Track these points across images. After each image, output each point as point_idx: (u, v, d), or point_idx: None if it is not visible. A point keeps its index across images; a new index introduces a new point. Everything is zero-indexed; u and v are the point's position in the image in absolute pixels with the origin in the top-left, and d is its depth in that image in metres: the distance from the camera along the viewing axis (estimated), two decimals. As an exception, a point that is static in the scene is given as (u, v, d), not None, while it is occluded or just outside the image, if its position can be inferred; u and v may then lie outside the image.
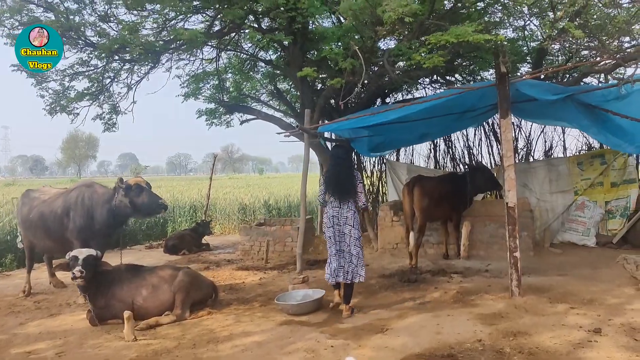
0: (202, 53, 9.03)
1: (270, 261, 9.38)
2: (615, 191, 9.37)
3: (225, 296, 6.81)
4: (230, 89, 10.36)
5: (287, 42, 8.47)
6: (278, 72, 9.62)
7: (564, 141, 10.07)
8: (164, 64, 8.73)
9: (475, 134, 10.30)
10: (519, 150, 10.26)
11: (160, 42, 7.44)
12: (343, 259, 5.69)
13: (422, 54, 5.47)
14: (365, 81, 7.06)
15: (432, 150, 10.76)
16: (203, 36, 6.27)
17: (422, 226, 7.78)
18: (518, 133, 10.16)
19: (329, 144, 9.51)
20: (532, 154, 10.21)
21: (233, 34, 8.83)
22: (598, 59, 6.27)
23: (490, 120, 10.23)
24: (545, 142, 10.09)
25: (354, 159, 10.29)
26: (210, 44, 9.23)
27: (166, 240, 11.07)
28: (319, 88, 9.59)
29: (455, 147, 10.65)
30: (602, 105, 6.87)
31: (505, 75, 5.68)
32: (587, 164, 9.51)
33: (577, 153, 9.94)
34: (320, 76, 8.15)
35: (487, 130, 10.31)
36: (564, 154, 10.06)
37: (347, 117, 6.80)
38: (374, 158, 10.97)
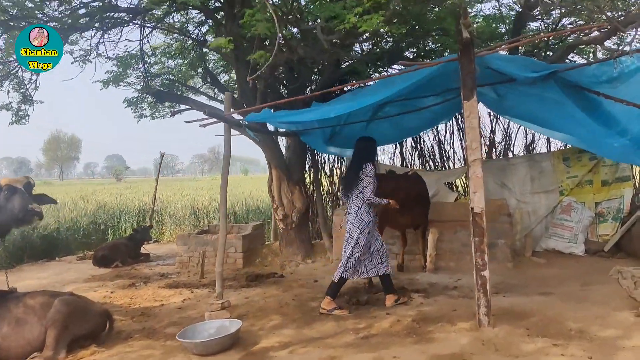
0: (105, 31, 7.58)
1: (207, 276, 8.05)
2: (607, 191, 8.18)
3: (130, 325, 5.51)
4: (169, 75, 9.01)
5: (219, 16, 7.20)
6: (207, 50, 8.32)
7: (547, 134, 8.84)
8: (76, 42, 7.38)
9: (446, 127, 9.06)
10: (497, 145, 9.02)
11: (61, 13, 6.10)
12: (352, 256, 5.49)
13: (359, 16, 4.19)
14: (300, 58, 5.77)
15: (398, 146, 9.47)
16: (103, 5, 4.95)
17: None
18: (495, 125, 8.94)
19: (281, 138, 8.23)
20: (512, 148, 8.98)
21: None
22: (590, 23, 5.04)
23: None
24: (527, 135, 8.87)
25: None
26: (136, 22, 7.92)
27: (96, 250, 9.69)
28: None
29: (424, 141, 9.37)
30: (593, 87, 5.67)
31: (470, 42, 4.43)
32: (574, 160, 8.31)
33: (563, 147, 8.74)
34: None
35: (460, 122, 9.06)
36: (547, 148, 8.85)
37: (281, 102, 5.48)
38: (333, 155, 9.68)
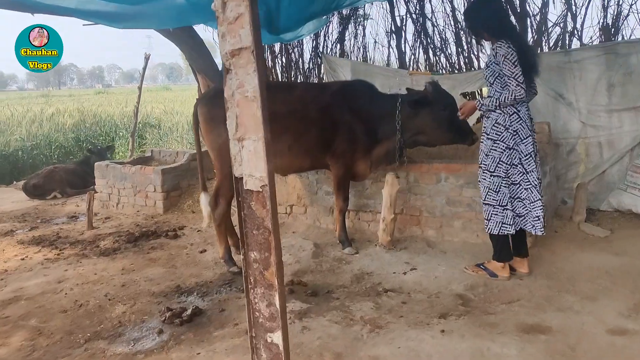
0: None
1: (108, 223, 6.08)
2: None
3: None
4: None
5: None
6: None
7: (646, 3, 5.09)
8: None
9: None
10: (550, 27, 5.45)
11: None
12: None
13: None
14: None
15: (394, 36, 6.24)
16: None
17: (221, 184, 4.09)
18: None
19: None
20: (578, 33, 5.37)
21: None
22: None
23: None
24: (606, 7, 5.17)
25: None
26: None
27: (28, 178, 8.17)
28: None
29: (434, 26, 5.99)
30: None
31: None
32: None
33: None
34: None
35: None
36: (646, 30, 5.17)
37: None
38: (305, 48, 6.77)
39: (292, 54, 6.93)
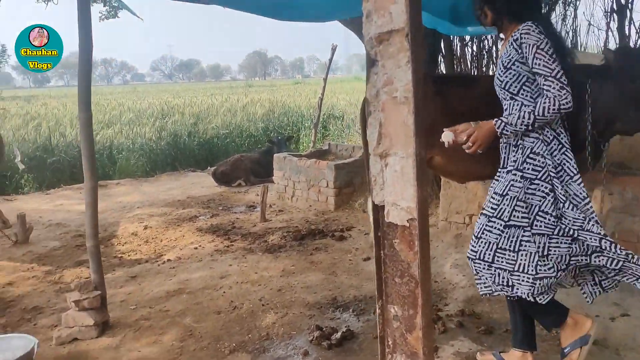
0: None
1: (280, 217, 6.07)
2: None
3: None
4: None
5: None
6: None
7: None
8: None
9: None
10: None
11: None
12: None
13: None
14: None
15: (614, 16, 5.01)
16: None
17: None
18: None
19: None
20: None
21: None
22: None
23: None
24: None
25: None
26: None
27: (217, 165, 8.63)
28: None
29: None
30: None
31: None
32: None
33: None
34: None
35: None
36: None
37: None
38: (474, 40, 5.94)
39: (485, 41, 6.15)
